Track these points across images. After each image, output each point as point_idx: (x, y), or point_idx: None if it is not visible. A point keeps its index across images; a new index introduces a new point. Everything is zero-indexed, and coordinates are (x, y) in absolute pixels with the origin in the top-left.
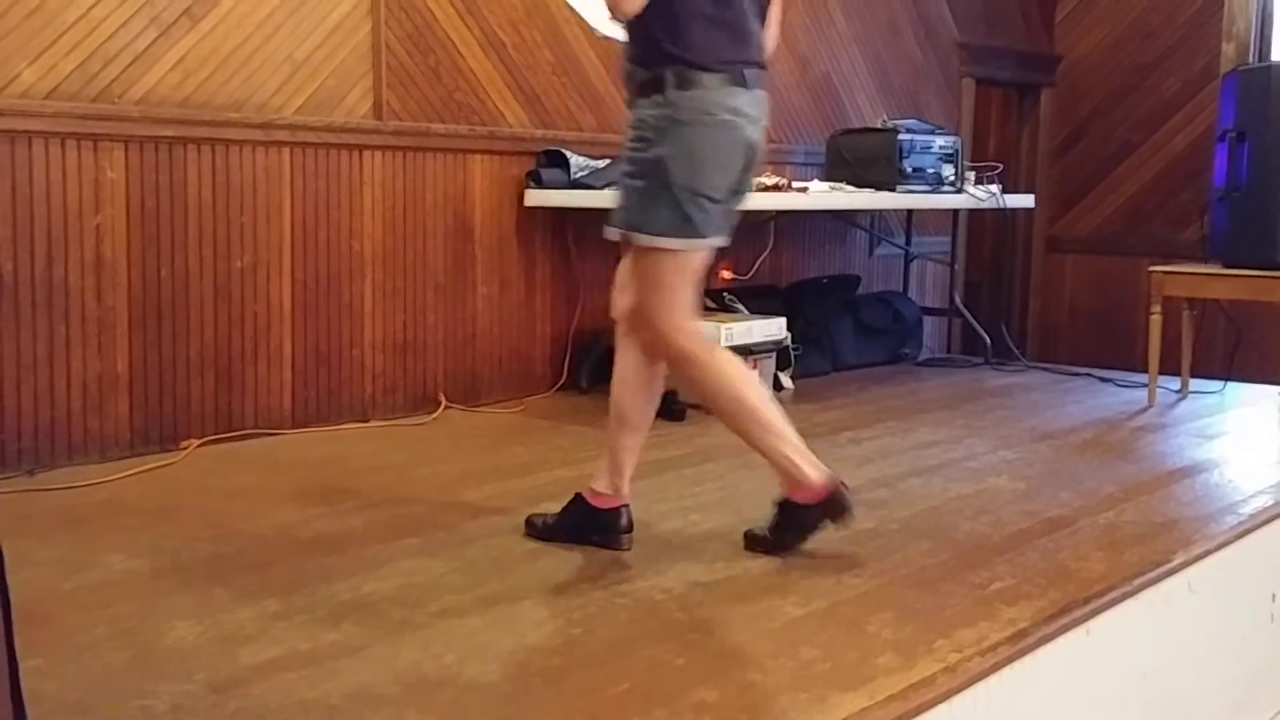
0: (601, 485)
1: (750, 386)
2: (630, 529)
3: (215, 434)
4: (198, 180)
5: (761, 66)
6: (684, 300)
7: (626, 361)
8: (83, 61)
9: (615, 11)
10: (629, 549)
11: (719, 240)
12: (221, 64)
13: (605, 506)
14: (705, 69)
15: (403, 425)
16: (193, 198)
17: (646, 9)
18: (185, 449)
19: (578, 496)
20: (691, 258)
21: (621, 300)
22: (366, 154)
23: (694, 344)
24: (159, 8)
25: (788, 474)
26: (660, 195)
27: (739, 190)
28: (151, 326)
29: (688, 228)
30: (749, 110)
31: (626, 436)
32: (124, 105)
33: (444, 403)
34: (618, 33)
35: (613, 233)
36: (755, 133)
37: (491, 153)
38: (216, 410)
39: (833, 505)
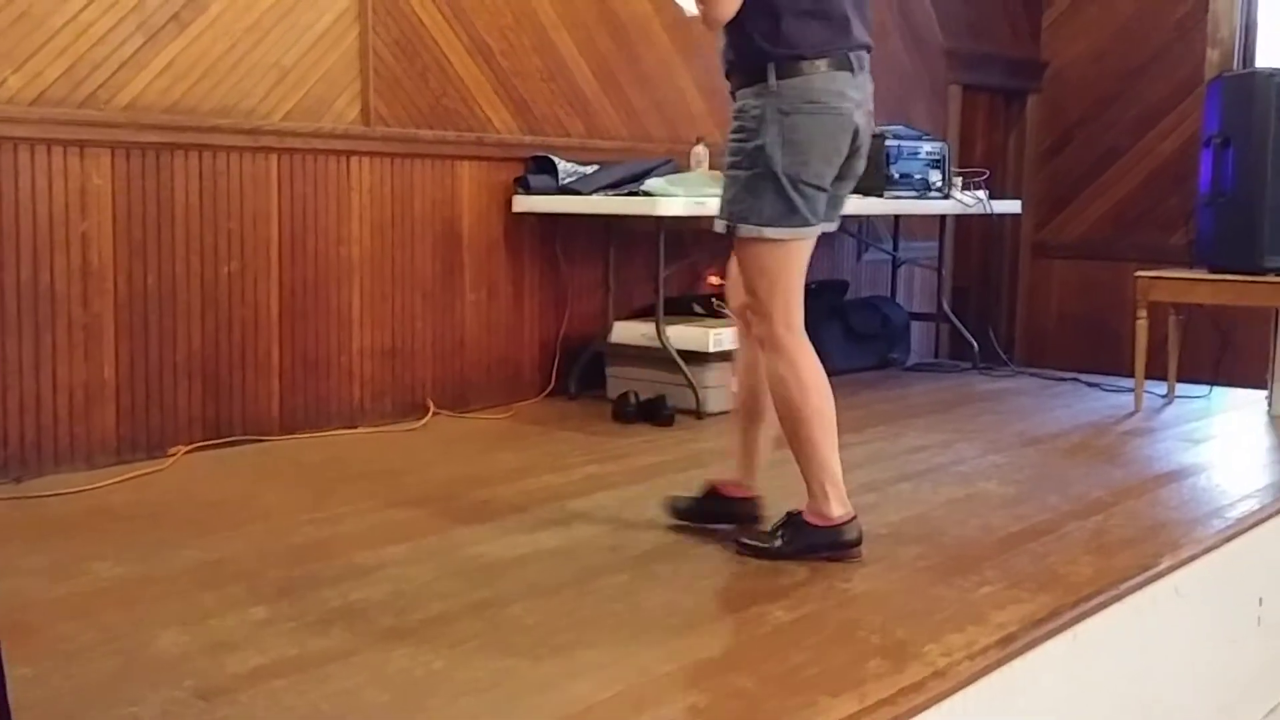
0: (734, 476)
1: (821, 412)
2: (758, 520)
3: (203, 441)
4: (185, 186)
5: (866, 49)
6: (793, 290)
7: (750, 355)
8: (69, 67)
9: (710, 20)
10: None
11: (828, 227)
12: (209, 70)
13: (739, 496)
14: (806, 57)
15: (391, 431)
16: (180, 204)
17: (743, 9)
18: (173, 456)
19: (712, 487)
20: (797, 248)
21: (736, 294)
22: (354, 160)
23: (790, 339)
24: (146, 13)
25: (812, 497)
26: (764, 184)
27: (847, 176)
28: (138, 333)
29: (793, 217)
30: (853, 94)
31: (756, 428)
32: (110, 111)
33: (432, 409)
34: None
35: (719, 225)
36: (861, 116)
37: (480, 159)
38: (204, 417)
39: (837, 538)
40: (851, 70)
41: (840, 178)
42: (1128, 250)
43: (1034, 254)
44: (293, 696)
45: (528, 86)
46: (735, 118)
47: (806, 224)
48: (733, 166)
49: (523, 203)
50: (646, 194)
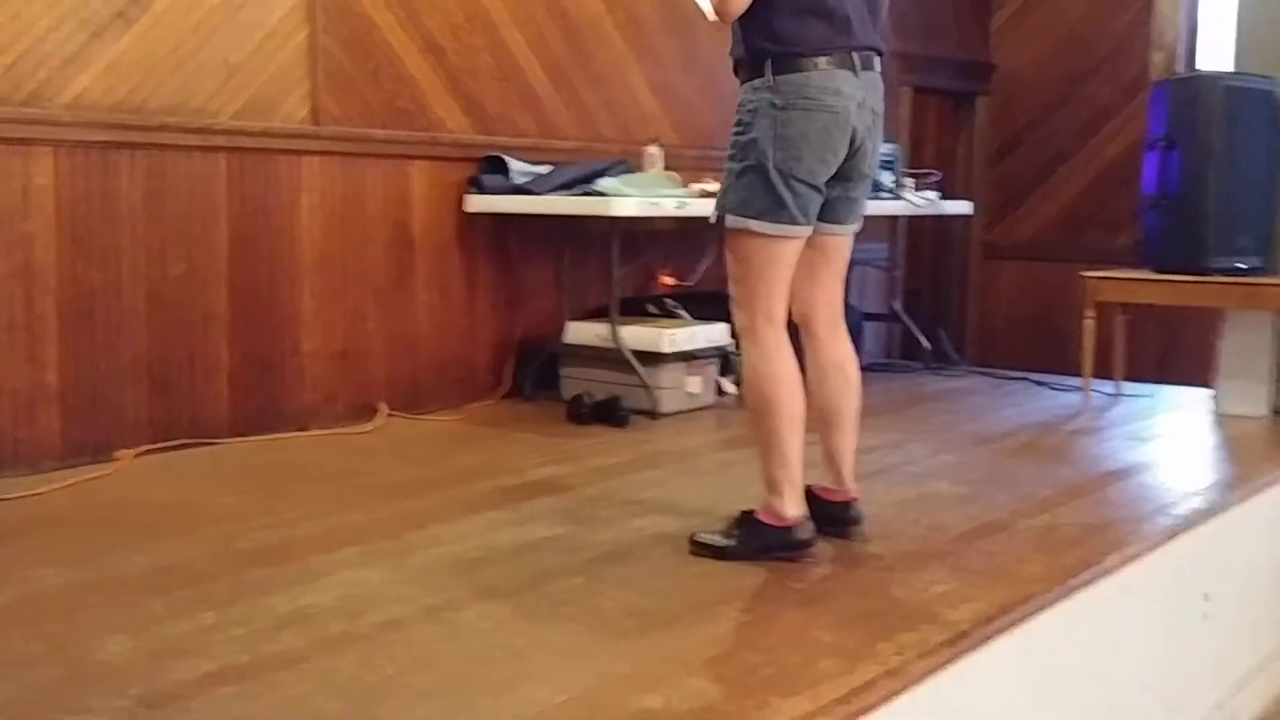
0: (828, 481)
1: (789, 406)
2: (858, 522)
3: (150, 444)
4: (130, 185)
5: (872, 50)
6: (776, 286)
7: (802, 360)
8: (11, 64)
9: (723, 14)
10: (855, 539)
11: (851, 228)
12: (155, 67)
13: (832, 499)
14: (804, 54)
15: (343, 434)
16: (125, 203)
17: (751, 5)
18: (119, 460)
19: (808, 490)
20: (785, 245)
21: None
22: (305, 159)
23: (770, 332)
24: (91, 10)
25: (768, 493)
26: (754, 177)
27: (854, 176)
28: (83, 335)
29: (781, 212)
30: (853, 93)
31: (832, 431)
32: (54, 109)
33: (385, 411)
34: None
35: (711, 215)
36: (861, 116)
37: (432, 158)
38: (151, 420)
39: (790, 539)
40: (853, 70)
41: (846, 178)
42: (1075, 251)
43: (984, 255)
44: (242, 704)
45: (480, 86)
46: (736, 112)
47: (795, 222)
48: (729, 159)
49: (476, 203)
50: (600, 194)
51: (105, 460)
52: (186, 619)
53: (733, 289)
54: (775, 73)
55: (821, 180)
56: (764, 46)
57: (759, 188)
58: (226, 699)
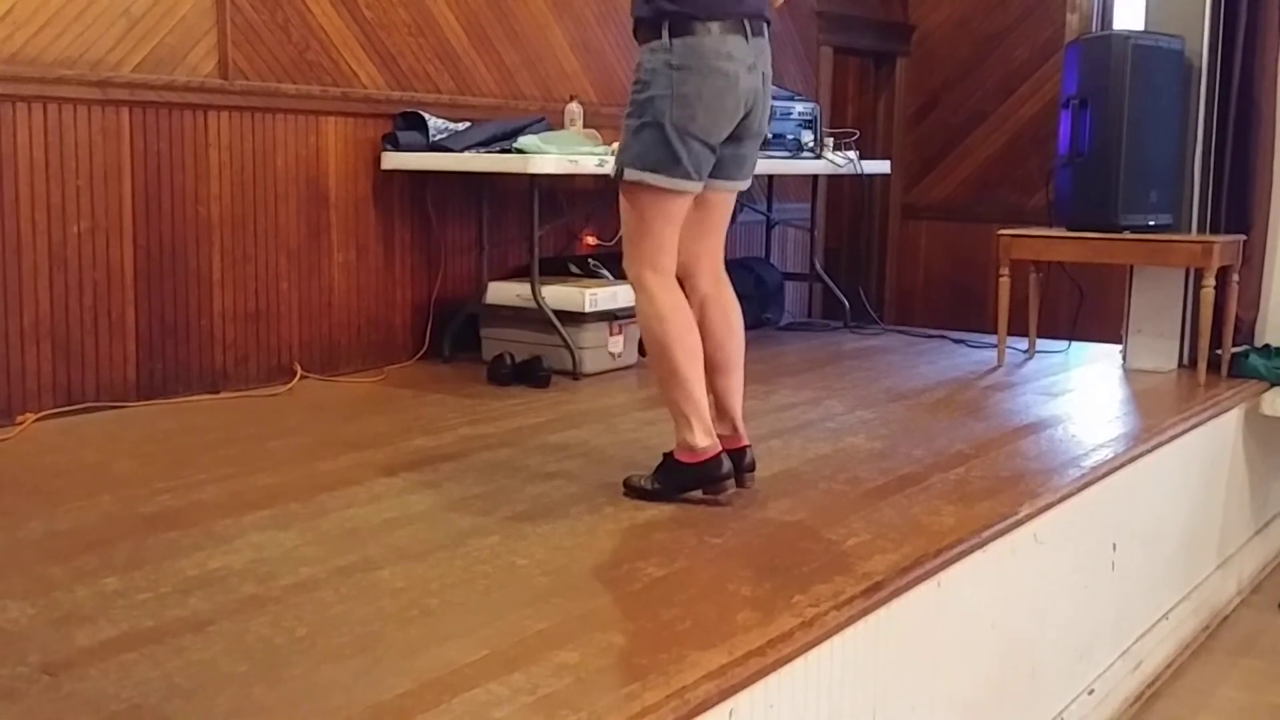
0: (723, 430)
1: (681, 340)
2: (752, 468)
3: (54, 408)
4: (29, 141)
5: (762, 18)
6: (664, 239)
7: (691, 309)
8: None
9: None
10: (749, 486)
11: (740, 185)
12: (53, 17)
13: (728, 448)
14: (698, 19)
15: (256, 396)
16: (23, 159)
17: None
18: (21, 424)
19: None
20: (675, 200)
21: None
22: (212, 114)
23: (656, 282)
24: None
25: (678, 430)
26: (651, 132)
27: (745, 135)
28: None
29: (675, 167)
30: (743, 57)
31: (719, 376)
32: None
33: (300, 373)
34: None
35: (612, 169)
36: (752, 78)
37: (345, 114)
38: (55, 383)
39: (707, 473)
40: (744, 35)
41: (738, 137)
42: (991, 211)
43: (903, 215)
44: (146, 668)
45: (394, 40)
46: (635, 71)
47: (688, 177)
48: (627, 117)
49: (392, 160)
50: (519, 152)
51: (6, 424)
52: (87, 584)
53: (624, 243)
54: (672, 35)
55: (715, 140)
56: (663, 7)
57: (655, 143)
58: (130, 664)
